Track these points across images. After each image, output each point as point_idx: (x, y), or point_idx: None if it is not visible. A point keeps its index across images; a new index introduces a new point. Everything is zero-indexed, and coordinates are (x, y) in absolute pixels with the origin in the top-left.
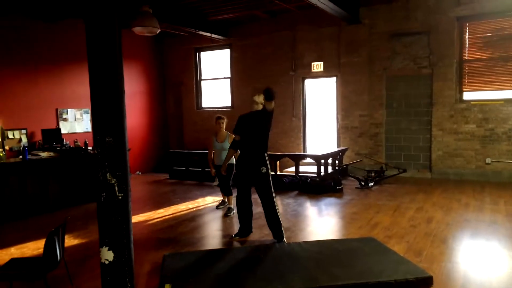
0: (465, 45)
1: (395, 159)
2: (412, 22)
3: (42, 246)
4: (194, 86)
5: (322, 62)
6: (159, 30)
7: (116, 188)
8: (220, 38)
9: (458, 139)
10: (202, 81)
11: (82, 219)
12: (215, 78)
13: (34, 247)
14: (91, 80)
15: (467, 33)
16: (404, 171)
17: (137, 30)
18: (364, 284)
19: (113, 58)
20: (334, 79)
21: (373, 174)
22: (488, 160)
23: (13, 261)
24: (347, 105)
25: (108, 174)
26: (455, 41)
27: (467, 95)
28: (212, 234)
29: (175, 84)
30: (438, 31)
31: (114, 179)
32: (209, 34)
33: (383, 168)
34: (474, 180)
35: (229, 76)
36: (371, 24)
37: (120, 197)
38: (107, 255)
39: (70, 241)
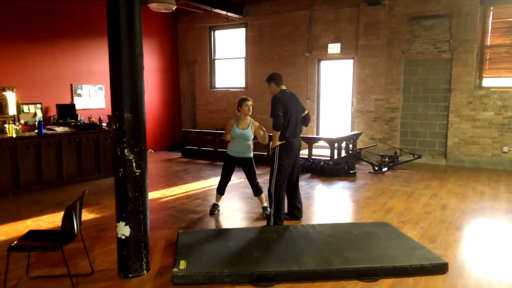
0: (488, 30)
1: (410, 145)
2: (434, 5)
3: (57, 219)
4: (208, 65)
5: (339, 44)
6: (175, 7)
7: (134, 164)
8: (235, 16)
9: (475, 126)
10: (216, 60)
11: (96, 194)
12: (230, 57)
13: (49, 220)
14: (110, 56)
15: (490, 18)
16: (419, 157)
17: (153, 6)
18: (379, 268)
19: (134, 33)
20: (351, 61)
21: (387, 159)
22: (505, 149)
23: (31, 233)
24: (363, 88)
25: (126, 150)
26: (477, 25)
27: (487, 82)
28: (226, 214)
29: (189, 62)
30: (461, 15)
31: (132, 155)
32: (224, 13)
33: (397, 154)
34: (490, 168)
35: (244, 56)
36: (391, 6)
37: (137, 174)
38: (124, 230)
39: (84, 215)
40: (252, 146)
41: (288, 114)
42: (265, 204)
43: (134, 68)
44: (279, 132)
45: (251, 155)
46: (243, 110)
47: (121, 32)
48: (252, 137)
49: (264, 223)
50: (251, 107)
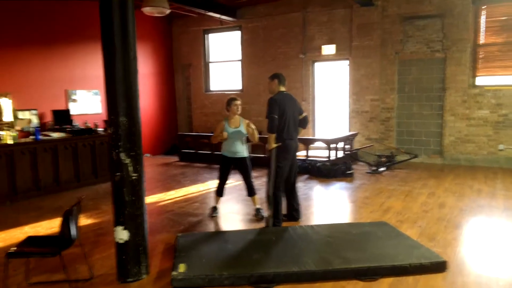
0: (480, 29)
1: (406, 144)
2: (426, 5)
3: (55, 225)
4: (203, 69)
5: (333, 45)
6: (168, 11)
7: (130, 168)
8: (229, 19)
9: (471, 124)
10: (210, 64)
11: (94, 199)
12: (224, 60)
13: (47, 226)
14: (105, 59)
15: (482, 17)
16: (416, 156)
17: (147, 10)
18: (378, 267)
19: (127, 37)
20: (346, 62)
21: (383, 159)
22: (501, 146)
23: (30, 239)
24: (358, 89)
25: (122, 154)
26: (470, 24)
27: (481, 80)
28: (225, 216)
29: (184, 66)
30: (453, 14)
31: (128, 159)
32: (218, 16)
33: (393, 153)
34: (486, 166)
35: (239, 58)
36: (384, 6)
37: (134, 177)
38: (122, 234)
39: (83, 220)
40: (246, 146)
41: (284, 116)
42: (258, 205)
43: (129, 71)
44: (274, 134)
45: (246, 154)
46: (232, 109)
47: (115, 36)
48: (246, 134)
49: (262, 225)
50: (239, 106)
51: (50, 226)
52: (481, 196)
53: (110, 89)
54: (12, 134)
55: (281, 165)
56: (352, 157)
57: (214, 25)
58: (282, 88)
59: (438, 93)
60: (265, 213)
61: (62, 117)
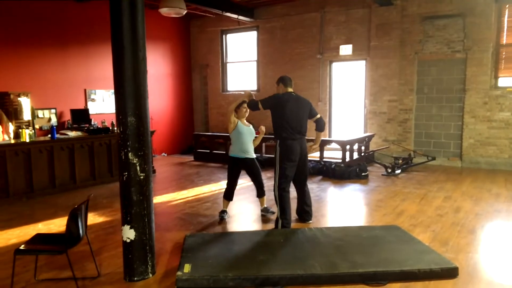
0: (503, 28)
1: (424, 147)
2: (447, 4)
3: None
4: (220, 69)
5: (351, 45)
6: (185, 11)
7: (138, 168)
8: (246, 20)
9: (492, 127)
10: (228, 64)
11: (108, 198)
12: (241, 61)
13: (60, 224)
14: (114, 60)
15: (506, 16)
16: (433, 159)
17: (164, 11)
18: (386, 272)
19: (136, 37)
20: (363, 62)
21: (400, 161)
22: None
23: (38, 236)
24: (375, 89)
25: (130, 154)
26: (492, 24)
27: (503, 81)
28: (234, 217)
29: (201, 66)
30: (475, 14)
31: (136, 159)
32: (235, 16)
33: (411, 156)
34: (507, 170)
35: (256, 59)
36: (403, 6)
37: (141, 177)
38: (129, 233)
39: (95, 218)
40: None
41: (284, 115)
42: (265, 205)
43: (138, 72)
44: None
45: (254, 155)
46: (240, 111)
47: (124, 36)
48: (255, 135)
49: (272, 226)
50: (248, 109)
51: (63, 224)
52: (499, 201)
53: (119, 89)
54: (29, 132)
55: (284, 166)
56: (368, 159)
57: (232, 25)
58: (290, 90)
59: (458, 95)
60: (274, 211)
61: (80, 116)
